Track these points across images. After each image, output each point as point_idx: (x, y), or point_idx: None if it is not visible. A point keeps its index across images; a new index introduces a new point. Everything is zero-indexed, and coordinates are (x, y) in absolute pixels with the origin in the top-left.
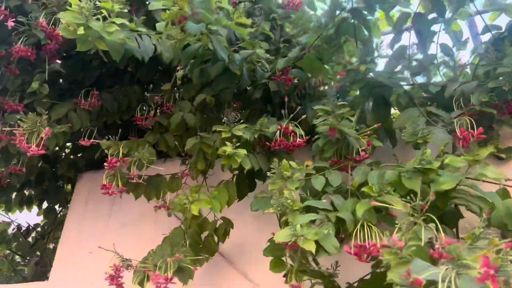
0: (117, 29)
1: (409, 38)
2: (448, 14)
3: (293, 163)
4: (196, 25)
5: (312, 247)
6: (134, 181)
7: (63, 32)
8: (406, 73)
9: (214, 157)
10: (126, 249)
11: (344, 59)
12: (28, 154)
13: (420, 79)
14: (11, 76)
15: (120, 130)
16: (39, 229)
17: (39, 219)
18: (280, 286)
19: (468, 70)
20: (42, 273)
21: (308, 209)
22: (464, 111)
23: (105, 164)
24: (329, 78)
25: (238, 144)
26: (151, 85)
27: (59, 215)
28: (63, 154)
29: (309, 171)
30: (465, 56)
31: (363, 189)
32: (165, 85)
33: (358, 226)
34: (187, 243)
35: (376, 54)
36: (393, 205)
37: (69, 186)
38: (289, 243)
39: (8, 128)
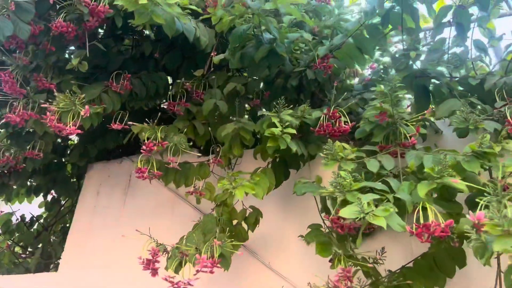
0: (176, 1)
1: (449, 31)
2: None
3: (346, 145)
4: (255, 2)
5: (383, 223)
6: (171, 165)
7: (124, 2)
8: (446, 66)
9: (251, 143)
10: (141, 240)
11: (388, 48)
12: (63, 133)
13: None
14: (46, 52)
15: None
16: (41, 220)
17: (40, 211)
18: (304, 276)
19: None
20: (45, 265)
21: (364, 190)
22: (507, 102)
23: (142, 148)
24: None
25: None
26: (177, 73)
27: (62, 208)
28: (73, 143)
29: (360, 155)
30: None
31: (426, 170)
32: (197, 71)
33: (420, 207)
34: (220, 230)
35: (421, 44)
36: (456, 186)
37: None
38: (356, 220)
39: (46, 105)
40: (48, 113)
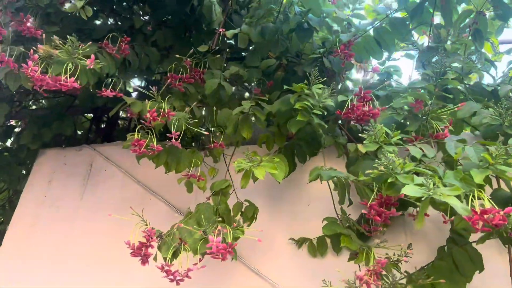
0: None
1: (468, 34)
2: None
3: (386, 129)
4: None
5: (455, 202)
6: (170, 143)
7: None
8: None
9: (264, 126)
10: (102, 236)
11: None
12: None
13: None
14: None
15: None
16: None
17: None
18: (294, 282)
19: None
20: None
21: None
22: None
23: (143, 117)
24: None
25: None
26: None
27: None
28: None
29: (398, 142)
30: None
31: (483, 155)
32: (201, 46)
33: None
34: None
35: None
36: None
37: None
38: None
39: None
40: (30, 63)
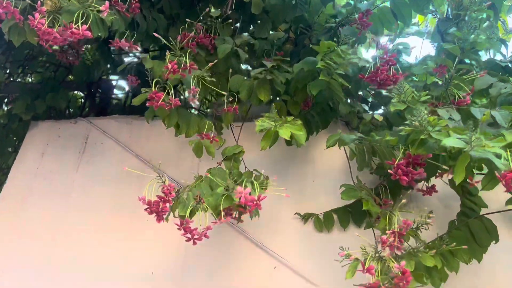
0: None
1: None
2: None
3: (413, 90)
4: None
5: (499, 151)
6: (193, 98)
7: None
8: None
9: (283, 89)
10: (100, 209)
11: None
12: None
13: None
14: None
15: None
16: None
17: None
18: (300, 257)
19: None
20: None
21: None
22: None
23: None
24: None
25: None
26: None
27: None
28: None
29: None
30: None
31: None
32: (213, 11)
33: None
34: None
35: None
36: None
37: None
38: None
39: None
40: (36, 15)
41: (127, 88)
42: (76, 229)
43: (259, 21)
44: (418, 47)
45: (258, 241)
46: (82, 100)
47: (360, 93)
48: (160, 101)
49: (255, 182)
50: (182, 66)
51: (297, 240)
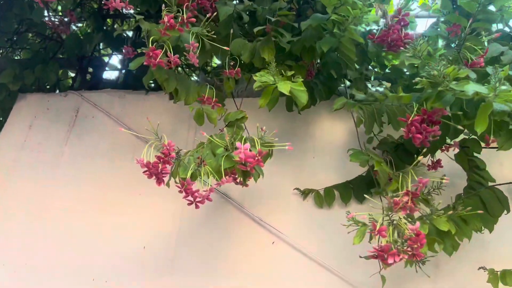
0: None
1: None
2: None
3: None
4: None
5: None
6: (192, 53)
7: None
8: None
9: (287, 47)
10: (90, 182)
11: None
12: None
13: None
14: None
15: None
16: None
17: None
18: (299, 233)
19: None
20: None
21: None
22: None
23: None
24: None
25: None
26: None
27: None
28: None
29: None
30: None
31: None
32: None
33: None
34: None
35: None
36: None
37: None
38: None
39: None
40: None
41: (119, 66)
42: (64, 203)
43: None
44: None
45: (256, 216)
46: (73, 75)
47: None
48: (158, 59)
49: (254, 138)
50: (179, 21)
51: (296, 216)
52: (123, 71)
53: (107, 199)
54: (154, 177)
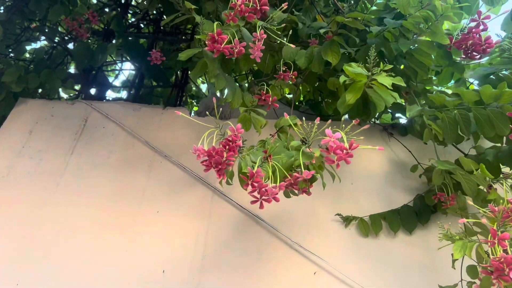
0: None
1: None
2: None
3: None
4: None
5: None
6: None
7: None
8: None
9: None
10: (98, 196)
11: None
12: None
13: None
14: None
15: None
16: None
17: None
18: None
19: None
20: None
21: None
22: None
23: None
24: None
25: None
26: None
27: None
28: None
29: None
30: None
31: None
32: None
33: None
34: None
35: None
36: None
37: None
38: None
39: None
40: None
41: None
42: (67, 219)
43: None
44: None
45: (294, 241)
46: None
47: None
48: (223, 46)
49: (339, 130)
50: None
51: (339, 244)
52: (134, 86)
53: (119, 217)
54: (214, 168)
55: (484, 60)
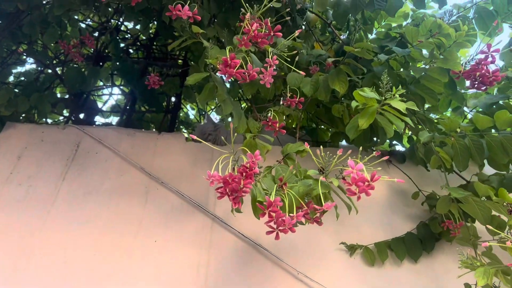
0: None
1: None
2: None
3: None
4: None
5: None
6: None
7: None
8: None
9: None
10: (92, 226)
11: None
12: None
13: None
14: None
15: None
16: None
17: None
18: (336, 282)
19: None
20: None
21: None
22: None
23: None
24: None
25: None
26: None
27: None
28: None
29: None
30: None
31: None
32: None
33: None
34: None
35: None
36: None
37: None
38: None
39: None
40: None
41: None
42: (59, 249)
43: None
44: None
45: (299, 271)
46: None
47: None
48: (236, 70)
49: (357, 160)
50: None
51: (344, 274)
52: (125, 113)
53: (114, 246)
54: (229, 195)
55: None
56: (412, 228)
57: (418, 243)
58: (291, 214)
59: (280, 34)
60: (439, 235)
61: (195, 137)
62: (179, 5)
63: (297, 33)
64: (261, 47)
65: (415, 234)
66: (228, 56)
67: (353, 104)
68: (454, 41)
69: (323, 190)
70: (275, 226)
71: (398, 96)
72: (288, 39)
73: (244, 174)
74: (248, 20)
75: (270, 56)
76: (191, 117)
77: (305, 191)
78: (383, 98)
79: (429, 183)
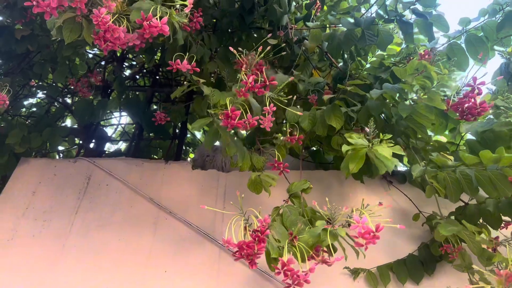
0: None
1: None
2: None
3: None
4: None
5: None
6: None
7: None
8: None
9: (355, 116)
10: (105, 258)
11: None
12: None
13: None
14: None
15: None
16: None
17: None
18: None
19: None
20: None
21: None
22: None
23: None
24: None
25: None
26: None
27: None
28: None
29: None
30: None
31: None
32: (270, 39)
33: None
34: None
35: None
36: None
37: None
38: None
39: None
40: (102, 10)
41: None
42: (74, 282)
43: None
44: None
45: None
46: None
47: None
48: (237, 121)
49: (362, 210)
50: (259, 83)
51: None
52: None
53: (125, 277)
54: (245, 259)
55: None
56: (414, 250)
57: (419, 265)
58: (304, 270)
59: (276, 82)
60: (440, 256)
61: (205, 206)
62: (178, 59)
63: (291, 79)
64: (258, 95)
65: (416, 256)
66: (229, 109)
67: (344, 148)
68: (437, 82)
69: (332, 241)
70: (290, 282)
71: (385, 141)
72: (283, 84)
73: (256, 239)
74: (245, 71)
75: (267, 103)
76: (198, 136)
77: (315, 243)
78: (371, 144)
79: (429, 203)
